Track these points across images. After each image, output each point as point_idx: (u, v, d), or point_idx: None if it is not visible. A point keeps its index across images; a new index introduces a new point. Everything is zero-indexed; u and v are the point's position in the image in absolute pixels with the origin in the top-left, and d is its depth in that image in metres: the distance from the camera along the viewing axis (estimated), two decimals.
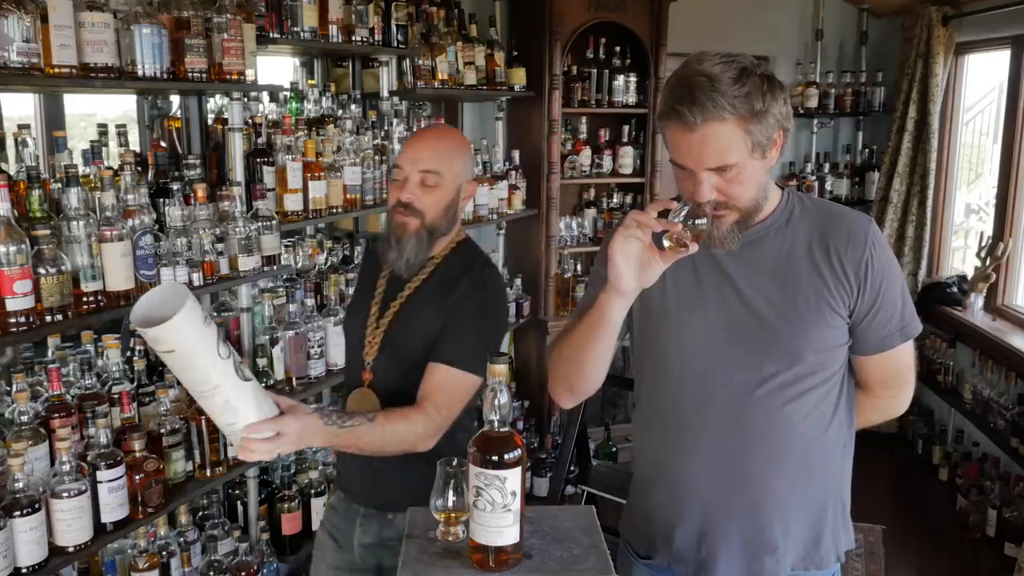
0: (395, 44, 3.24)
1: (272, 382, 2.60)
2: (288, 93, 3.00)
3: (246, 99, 2.62)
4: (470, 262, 1.89)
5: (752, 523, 1.55)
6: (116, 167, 2.15)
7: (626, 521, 1.76)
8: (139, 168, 2.31)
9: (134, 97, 2.63)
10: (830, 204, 1.64)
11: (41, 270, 1.83)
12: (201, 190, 2.28)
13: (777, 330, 1.50)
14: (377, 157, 3.08)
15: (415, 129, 3.51)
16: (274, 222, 2.49)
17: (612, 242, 1.40)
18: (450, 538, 1.46)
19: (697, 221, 1.38)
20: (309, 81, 3.19)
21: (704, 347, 1.53)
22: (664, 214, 1.40)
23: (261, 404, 1.51)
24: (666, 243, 1.38)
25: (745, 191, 1.45)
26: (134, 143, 2.49)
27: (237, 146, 2.51)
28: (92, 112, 2.82)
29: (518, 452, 1.35)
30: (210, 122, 2.69)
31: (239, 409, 1.48)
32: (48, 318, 1.86)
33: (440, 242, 1.88)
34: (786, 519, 1.56)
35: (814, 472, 1.56)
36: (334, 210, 2.86)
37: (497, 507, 1.34)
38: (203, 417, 2.23)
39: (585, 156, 4.38)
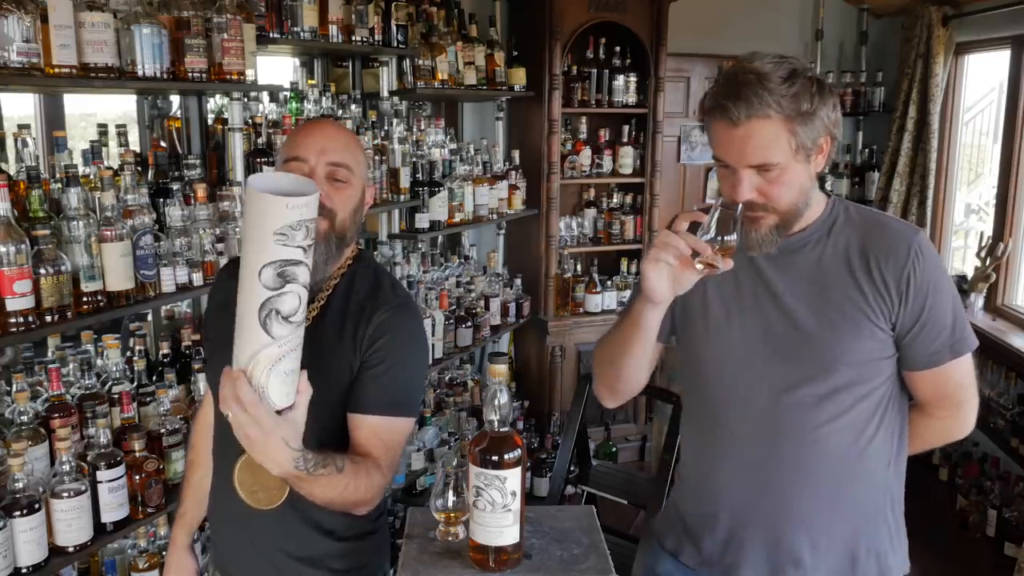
0: (395, 44, 3.24)
1: None
2: (288, 93, 3.00)
3: (246, 99, 2.62)
4: (375, 279, 1.59)
5: (776, 534, 1.53)
6: (116, 167, 2.15)
7: (661, 518, 1.79)
8: (139, 168, 2.31)
9: (134, 97, 2.63)
10: (878, 214, 1.57)
11: (41, 270, 1.83)
12: (201, 190, 2.29)
13: (811, 340, 1.47)
14: (377, 157, 3.08)
15: (414, 130, 3.51)
16: None
17: (644, 260, 1.40)
18: (450, 538, 1.46)
19: (726, 237, 1.35)
20: (309, 81, 3.19)
21: (739, 354, 1.52)
22: (695, 226, 1.38)
23: (278, 376, 1.25)
24: (698, 265, 1.37)
25: (785, 193, 1.42)
26: (134, 143, 2.49)
27: (237, 146, 2.52)
28: (92, 112, 2.81)
29: (518, 452, 1.35)
30: (210, 122, 2.69)
31: (237, 344, 1.26)
32: (48, 318, 1.86)
33: (342, 255, 1.57)
34: (813, 534, 1.53)
35: (847, 491, 1.52)
36: None
37: (497, 507, 1.34)
38: None
39: (585, 156, 4.38)
